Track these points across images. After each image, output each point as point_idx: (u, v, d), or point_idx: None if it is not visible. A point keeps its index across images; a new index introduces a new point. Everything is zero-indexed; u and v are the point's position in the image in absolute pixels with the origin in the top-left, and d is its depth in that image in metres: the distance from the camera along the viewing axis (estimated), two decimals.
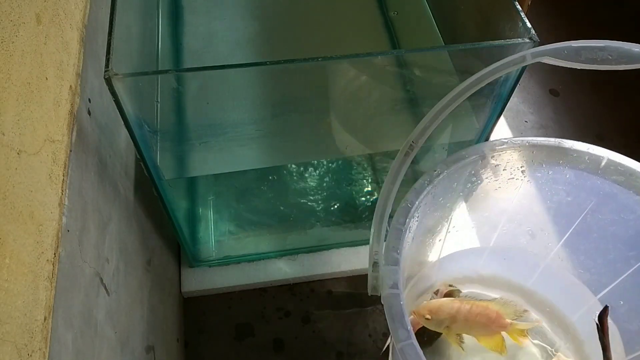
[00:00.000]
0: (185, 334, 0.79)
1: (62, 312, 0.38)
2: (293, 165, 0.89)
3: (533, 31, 0.51)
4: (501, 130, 1.01)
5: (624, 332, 0.64)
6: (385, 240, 0.51)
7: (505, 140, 0.59)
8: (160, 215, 0.71)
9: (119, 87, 0.45)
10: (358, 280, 0.84)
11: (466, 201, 0.66)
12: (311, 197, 0.87)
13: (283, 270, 0.83)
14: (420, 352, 0.44)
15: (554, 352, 0.70)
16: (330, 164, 0.90)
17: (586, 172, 0.60)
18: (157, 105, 0.55)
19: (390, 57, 0.56)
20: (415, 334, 0.48)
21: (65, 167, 0.41)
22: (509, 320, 0.65)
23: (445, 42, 0.72)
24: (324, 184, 0.88)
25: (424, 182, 0.55)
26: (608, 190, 0.59)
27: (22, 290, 0.33)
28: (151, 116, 0.55)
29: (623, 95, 1.09)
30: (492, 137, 0.65)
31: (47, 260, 0.36)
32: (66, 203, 0.41)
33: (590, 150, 0.58)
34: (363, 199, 0.89)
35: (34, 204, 0.36)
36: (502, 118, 0.68)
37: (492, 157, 0.60)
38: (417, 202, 0.54)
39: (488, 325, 0.65)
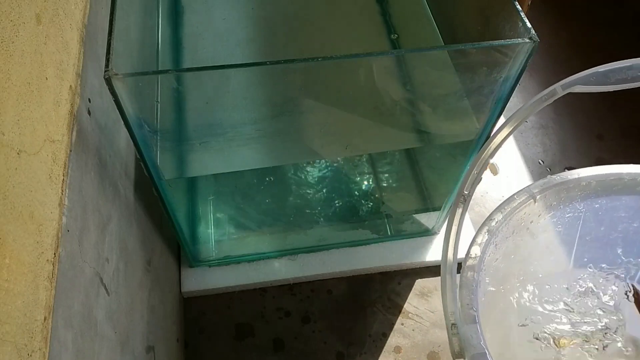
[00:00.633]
0: (185, 334, 0.79)
1: (62, 312, 0.38)
2: (293, 165, 0.89)
3: (533, 31, 0.51)
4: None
5: None
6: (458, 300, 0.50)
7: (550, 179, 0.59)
8: (160, 215, 0.71)
9: (119, 87, 0.45)
10: (358, 280, 0.84)
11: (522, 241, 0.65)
12: (311, 197, 0.87)
13: (283, 270, 0.83)
14: None
15: None
16: (330, 164, 0.90)
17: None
18: (157, 105, 0.55)
19: (390, 57, 0.56)
20: None
21: (65, 167, 0.41)
22: None
23: (445, 42, 0.72)
24: (324, 184, 0.88)
25: (483, 233, 0.55)
26: None
27: (22, 290, 0.33)
28: (151, 116, 0.55)
29: (623, 95, 1.09)
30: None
31: (47, 260, 0.36)
32: (66, 203, 0.40)
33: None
34: (363, 198, 0.89)
35: (34, 204, 0.36)
36: (502, 118, 0.68)
37: (541, 196, 0.59)
38: (480, 254, 0.53)
39: None
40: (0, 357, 0.29)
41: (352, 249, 0.85)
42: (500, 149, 0.96)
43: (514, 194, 0.59)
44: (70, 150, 0.43)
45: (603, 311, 0.68)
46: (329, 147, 0.64)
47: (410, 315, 0.82)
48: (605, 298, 0.68)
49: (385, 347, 0.79)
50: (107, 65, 0.44)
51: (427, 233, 0.87)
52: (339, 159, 0.91)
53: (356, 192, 0.89)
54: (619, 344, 0.66)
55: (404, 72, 0.58)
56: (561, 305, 0.69)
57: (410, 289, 0.84)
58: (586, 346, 0.66)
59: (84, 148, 0.46)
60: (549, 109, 1.07)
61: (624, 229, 0.64)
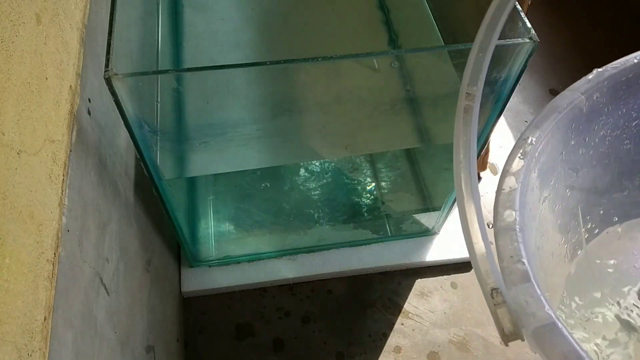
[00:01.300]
0: (185, 334, 0.79)
1: (62, 312, 0.38)
2: (293, 165, 0.89)
3: (533, 31, 0.51)
4: (501, 130, 1.01)
5: None
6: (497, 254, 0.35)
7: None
8: (160, 215, 0.71)
9: (119, 87, 0.45)
10: (358, 280, 0.84)
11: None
12: (311, 197, 0.87)
13: (283, 270, 0.83)
14: None
15: None
16: (330, 164, 0.90)
17: None
18: (157, 105, 0.55)
19: (390, 57, 0.56)
20: None
21: (65, 167, 0.41)
22: None
23: (445, 42, 0.72)
24: (324, 184, 0.88)
25: (518, 155, 0.40)
26: None
27: (22, 290, 0.33)
28: (151, 116, 0.55)
29: None
30: (492, 137, 0.64)
31: (47, 260, 0.36)
32: (66, 203, 0.40)
33: None
34: (363, 198, 0.89)
35: (34, 204, 0.36)
36: (502, 118, 0.68)
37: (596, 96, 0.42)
38: (519, 186, 0.38)
39: None
40: (0, 357, 0.29)
41: (352, 249, 0.85)
42: (500, 149, 0.96)
43: (552, 101, 0.42)
44: (70, 150, 0.43)
45: None
46: (329, 147, 0.64)
47: (410, 315, 0.82)
48: None
49: (385, 347, 0.79)
50: (107, 65, 0.44)
51: (427, 233, 0.87)
52: (338, 159, 0.91)
53: (356, 192, 0.89)
54: None
55: (404, 72, 0.58)
56: None
57: (410, 289, 0.84)
58: None
59: (84, 148, 0.46)
60: None
61: None
